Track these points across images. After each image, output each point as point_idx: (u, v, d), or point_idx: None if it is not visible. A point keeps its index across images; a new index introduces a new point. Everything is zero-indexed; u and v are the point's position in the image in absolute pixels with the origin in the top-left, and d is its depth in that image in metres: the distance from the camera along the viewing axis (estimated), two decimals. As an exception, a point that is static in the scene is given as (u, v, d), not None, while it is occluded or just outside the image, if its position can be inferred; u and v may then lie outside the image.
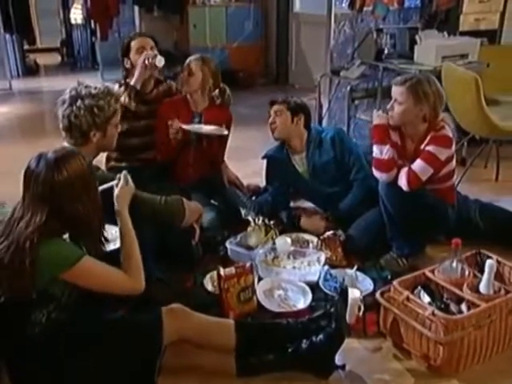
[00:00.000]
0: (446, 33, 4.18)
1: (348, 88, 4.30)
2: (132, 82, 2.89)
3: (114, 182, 2.05)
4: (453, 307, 2.05)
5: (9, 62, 7.42)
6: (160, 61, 2.90)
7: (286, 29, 6.92)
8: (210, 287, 2.49)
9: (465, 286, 2.09)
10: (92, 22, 7.86)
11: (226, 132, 3.01)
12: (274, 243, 2.76)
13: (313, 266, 2.64)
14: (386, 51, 4.16)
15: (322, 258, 2.66)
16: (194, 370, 1.99)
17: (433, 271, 2.22)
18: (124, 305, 2.06)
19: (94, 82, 2.38)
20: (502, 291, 2.06)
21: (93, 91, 2.22)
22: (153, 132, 3.03)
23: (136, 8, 7.34)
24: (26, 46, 8.20)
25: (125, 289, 1.88)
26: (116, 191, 2.02)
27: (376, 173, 2.63)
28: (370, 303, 2.27)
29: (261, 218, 2.84)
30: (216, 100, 3.08)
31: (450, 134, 2.59)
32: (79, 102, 2.19)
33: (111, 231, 2.12)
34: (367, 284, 2.49)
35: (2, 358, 1.84)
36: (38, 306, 1.76)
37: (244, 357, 1.97)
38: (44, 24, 9.21)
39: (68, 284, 1.78)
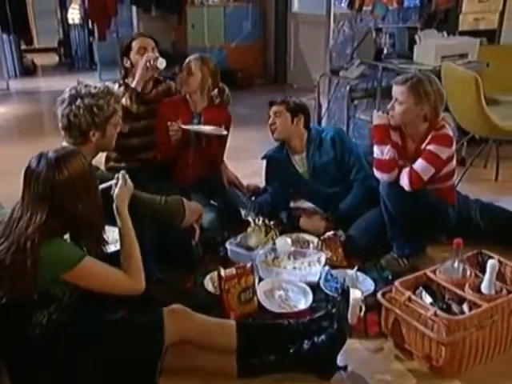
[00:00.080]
0: (445, 32, 4.18)
1: (347, 88, 4.30)
2: (133, 84, 2.89)
3: (112, 182, 2.04)
4: (454, 307, 2.05)
5: (6, 63, 7.41)
6: (162, 63, 2.90)
7: (285, 29, 6.92)
8: (210, 288, 2.48)
9: (466, 286, 2.08)
10: (90, 21, 7.84)
11: (224, 132, 3.01)
12: (274, 244, 2.76)
13: (313, 266, 2.63)
14: (385, 51, 4.15)
15: (323, 259, 2.65)
16: (195, 371, 1.98)
17: (434, 271, 2.21)
18: (124, 305, 2.05)
19: (91, 82, 2.37)
20: (504, 291, 2.05)
21: (92, 90, 2.21)
22: (152, 132, 3.03)
23: (134, 8, 7.32)
24: (23, 46, 8.20)
25: (125, 289, 1.88)
26: (116, 191, 2.01)
27: (377, 173, 2.62)
28: (371, 304, 2.26)
29: (261, 219, 2.84)
30: (215, 100, 3.08)
31: (451, 133, 2.59)
32: (79, 101, 2.18)
33: (111, 232, 2.11)
34: (368, 284, 2.48)
35: (3, 359, 1.83)
36: (38, 307, 1.75)
37: (245, 358, 1.96)
38: (41, 24, 9.21)
39: (69, 284, 1.77)
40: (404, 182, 2.52)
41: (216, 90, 3.07)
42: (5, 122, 5.73)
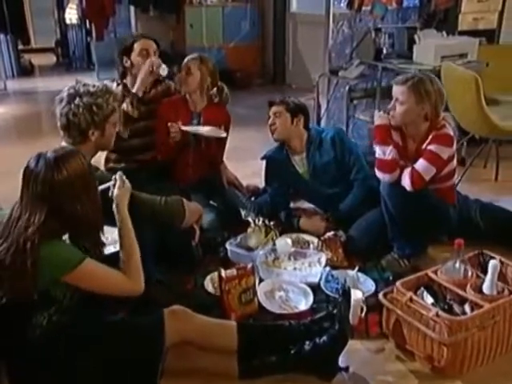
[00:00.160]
0: (444, 32, 4.17)
1: (347, 88, 4.29)
2: (134, 90, 2.87)
3: (110, 183, 2.03)
4: (456, 308, 2.04)
5: (3, 63, 7.40)
6: (164, 70, 2.90)
7: (283, 29, 6.92)
8: (210, 289, 2.47)
9: (468, 286, 2.07)
10: (87, 21, 7.83)
11: (224, 135, 3.00)
12: (274, 244, 2.75)
13: (314, 267, 2.62)
14: (384, 51, 4.15)
15: (323, 259, 2.64)
16: (196, 372, 1.97)
17: (435, 272, 2.20)
18: (124, 306, 2.05)
19: (89, 82, 2.35)
20: (506, 292, 2.05)
21: (91, 89, 2.20)
22: (152, 132, 3.01)
23: (132, 8, 7.30)
24: (20, 46, 8.16)
25: (124, 290, 1.87)
26: (114, 192, 2.00)
27: (379, 173, 2.61)
28: (371, 304, 2.26)
29: (261, 219, 2.82)
30: (214, 98, 3.07)
31: (452, 133, 2.59)
32: (77, 100, 2.16)
33: (110, 233, 2.09)
34: (369, 285, 2.47)
35: (2, 360, 1.82)
36: (39, 309, 1.75)
37: (246, 359, 1.95)
38: (38, 24, 9.19)
39: (70, 286, 1.77)
40: (406, 182, 2.51)
41: (215, 89, 3.06)
42: (3, 122, 5.72)
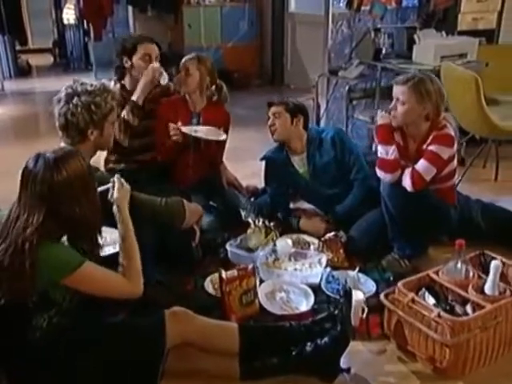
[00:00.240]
0: (444, 32, 4.17)
1: (346, 88, 4.29)
2: (134, 98, 2.84)
3: (110, 185, 2.01)
4: (458, 309, 2.03)
5: (1, 63, 7.40)
6: (164, 79, 2.89)
7: (281, 29, 6.91)
8: (210, 290, 2.45)
9: (470, 287, 2.07)
10: (85, 22, 7.81)
11: (223, 137, 2.98)
12: (274, 245, 2.73)
13: (314, 267, 2.61)
14: (384, 51, 4.15)
15: (324, 260, 2.63)
16: (197, 374, 1.96)
17: (437, 272, 2.19)
18: (124, 308, 2.03)
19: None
20: (508, 292, 2.04)
21: (89, 88, 2.18)
22: (152, 133, 3.00)
23: (130, 8, 7.29)
24: (17, 47, 8.15)
25: (123, 293, 1.86)
26: (114, 193, 1.98)
27: (380, 173, 2.60)
28: (372, 305, 2.25)
29: (261, 220, 2.81)
30: (213, 97, 3.06)
31: (453, 133, 2.58)
32: (76, 100, 2.15)
33: (108, 234, 2.08)
34: (370, 285, 2.46)
35: (2, 360, 1.80)
36: (39, 311, 1.73)
37: (248, 360, 1.94)
38: (36, 24, 9.18)
39: (69, 289, 1.75)
40: (406, 182, 2.50)
41: (213, 87, 3.05)
42: (0, 122, 5.70)
